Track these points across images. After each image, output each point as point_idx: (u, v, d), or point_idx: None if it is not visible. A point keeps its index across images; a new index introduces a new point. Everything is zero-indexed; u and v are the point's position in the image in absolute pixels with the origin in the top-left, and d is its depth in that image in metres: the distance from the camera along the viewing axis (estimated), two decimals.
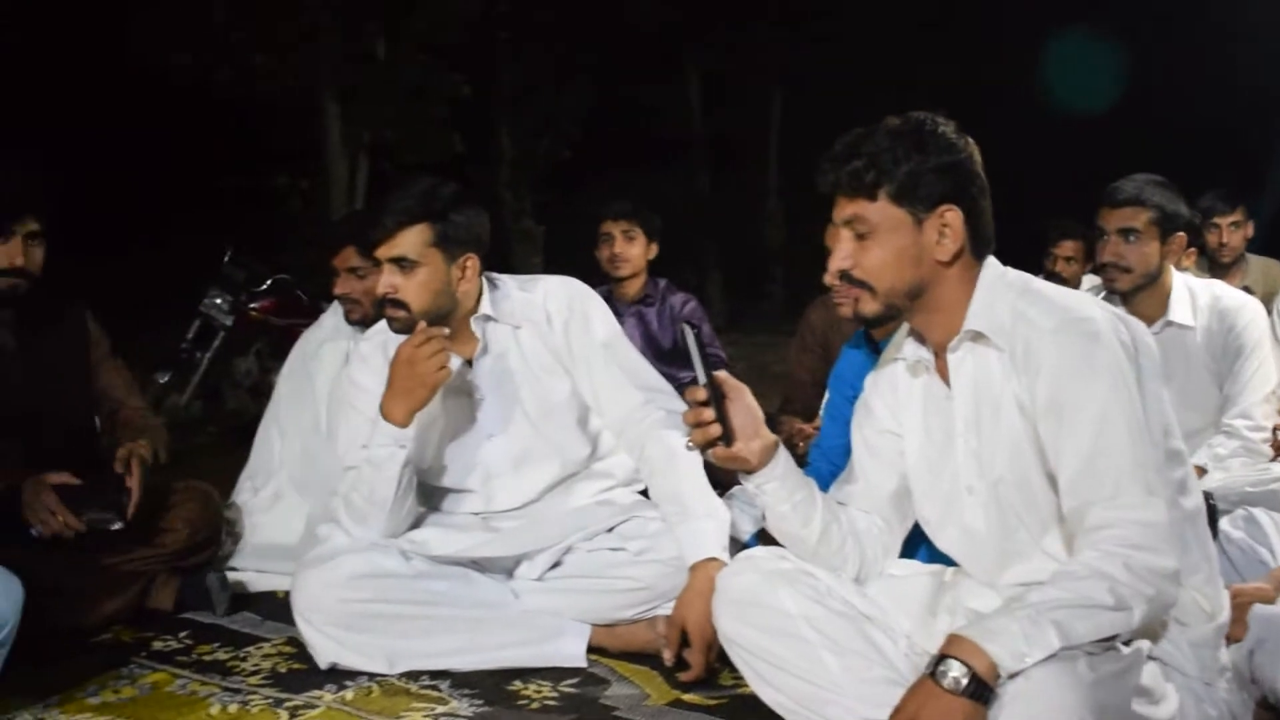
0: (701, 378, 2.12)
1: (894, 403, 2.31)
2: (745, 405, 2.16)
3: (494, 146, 12.99)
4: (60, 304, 3.31)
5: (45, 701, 2.66)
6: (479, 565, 2.85)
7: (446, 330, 2.75)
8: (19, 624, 2.49)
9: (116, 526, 2.99)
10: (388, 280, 2.76)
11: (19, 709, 2.61)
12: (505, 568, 2.89)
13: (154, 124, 11.82)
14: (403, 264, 2.75)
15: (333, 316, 3.90)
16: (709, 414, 2.11)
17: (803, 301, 4.70)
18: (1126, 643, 1.89)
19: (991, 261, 2.16)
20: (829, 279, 3.20)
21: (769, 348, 10.43)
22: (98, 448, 3.34)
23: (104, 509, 2.96)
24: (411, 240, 2.74)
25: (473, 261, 2.83)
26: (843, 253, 2.15)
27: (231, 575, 3.41)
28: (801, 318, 4.29)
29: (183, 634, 3.13)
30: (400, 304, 2.76)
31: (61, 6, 11.21)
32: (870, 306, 2.14)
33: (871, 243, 2.11)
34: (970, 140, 2.15)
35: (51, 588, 2.86)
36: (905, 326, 2.27)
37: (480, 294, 2.92)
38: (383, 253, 2.76)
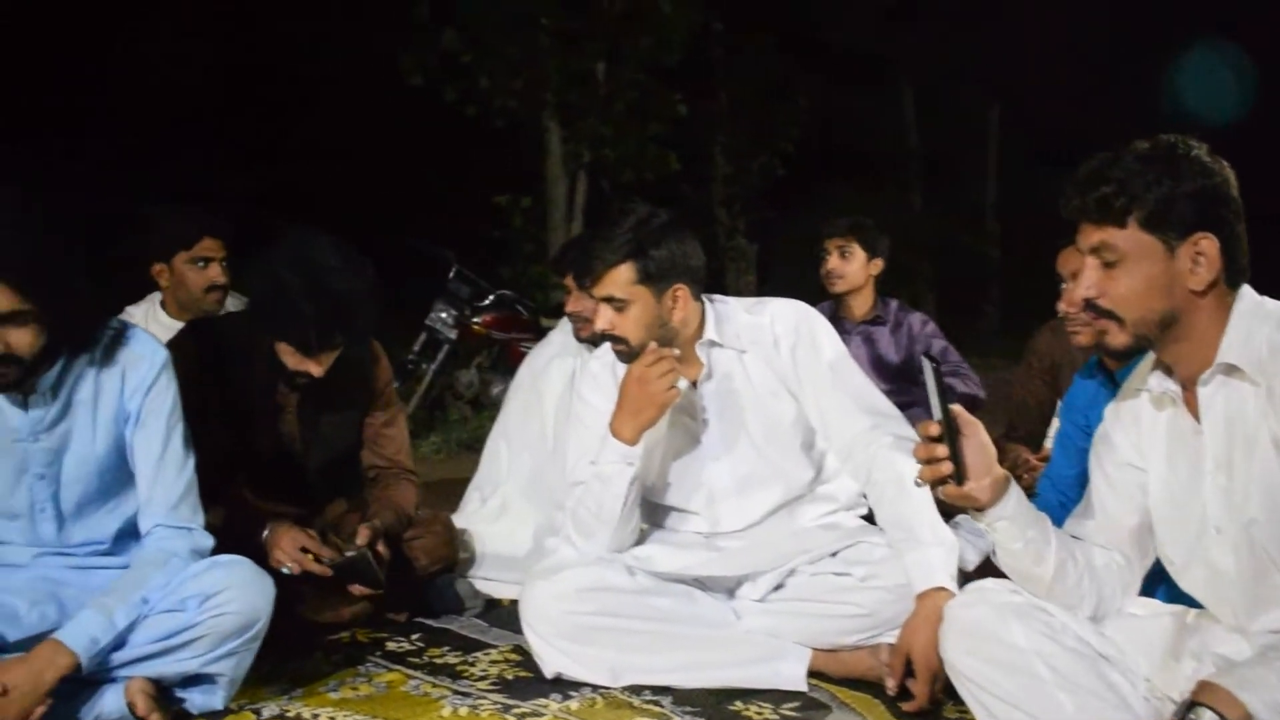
0: (936, 413, 2.07)
1: (1136, 435, 2.23)
2: (979, 442, 2.11)
3: (709, 164, 13.09)
4: (352, 354, 3.24)
5: (290, 694, 2.81)
6: (701, 584, 2.88)
7: (677, 351, 2.81)
8: (270, 620, 2.66)
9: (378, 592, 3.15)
10: (604, 317, 2.85)
11: (267, 699, 2.76)
12: (727, 587, 2.91)
13: (385, 143, 12.37)
14: (613, 302, 2.83)
15: (561, 333, 4.00)
16: (942, 450, 2.07)
17: (1020, 322, 4.58)
18: None
19: (1246, 291, 2.08)
20: (1067, 306, 3.13)
21: (984, 370, 10.15)
22: (359, 484, 3.50)
23: (365, 584, 3.12)
24: (618, 281, 2.82)
25: (683, 291, 2.87)
26: (1088, 281, 2.08)
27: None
28: (1029, 342, 4.17)
29: (415, 636, 3.26)
30: (619, 339, 2.84)
31: (313, 30, 11.88)
32: (1118, 338, 2.07)
33: (1120, 271, 2.05)
34: (1225, 163, 2.07)
35: (298, 589, 3.04)
36: (1149, 356, 2.20)
37: (703, 318, 2.95)
38: (595, 293, 2.87)
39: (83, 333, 2.59)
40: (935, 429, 2.08)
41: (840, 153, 14.42)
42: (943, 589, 2.62)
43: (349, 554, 3.07)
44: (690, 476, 2.97)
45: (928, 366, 2.08)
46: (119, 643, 2.53)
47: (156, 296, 4.15)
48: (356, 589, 3.13)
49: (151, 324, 4.00)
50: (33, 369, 2.52)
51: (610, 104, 10.20)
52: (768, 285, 12.52)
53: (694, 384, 2.95)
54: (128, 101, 12.14)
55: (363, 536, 3.10)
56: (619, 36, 10.14)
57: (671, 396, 2.77)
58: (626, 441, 2.80)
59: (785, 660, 2.80)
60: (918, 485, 2.14)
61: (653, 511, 3.03)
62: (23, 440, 2.62)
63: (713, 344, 2.94)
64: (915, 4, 14.12)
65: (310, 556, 3.04)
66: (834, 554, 2.86)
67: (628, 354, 2.84)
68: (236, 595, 2.59)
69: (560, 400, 3.82)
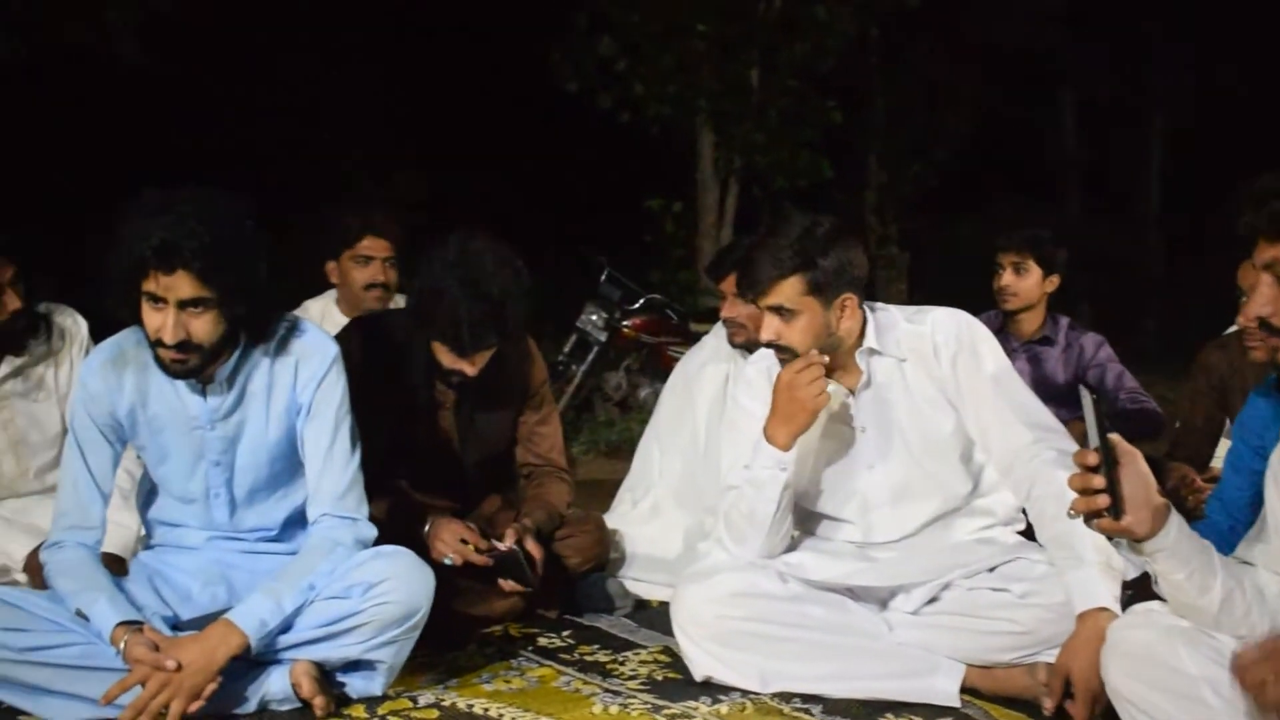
0: (1093, 441, 2.01)
1: None
2: (1137, 472, 2.02)
3: (862, 172, 12.96)
4: (508, 354, 3.32)
5: (445, 683, 2.88)
6: (853, 593, 2.85)
7: (825, 357, 2.78)
8: (429, 612, 2.72)
9: (528, 589, 3.23)
10: (771, 327, 2.82)
11: (423, 688, 2.84)
12: (879, 598, 2.88)
13: (539, 148, 12.58)
14: (781, 313, 2.80)
15: (714, 338, 4.01)
16: (1098, 481, 2.00)
17: (1180, 339, 4.41)
18: None
19: None
20: (1244, 322, 3.02)
21: (1144, 386, 9.85)
22: (514, 481, 3.58)
23: (516, 581, 3.19)
24: (787, 292, 2.79)
25: (851, 300, 2.84)
26: (1263, 298, 2.02)
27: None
28: (1196, 359, 4.02)
29: (565, 633, 3.31)
30: (785, 348, 2.82)
31: (470, 37, 12.17)
32: None
33: None
34: None
35: (453, 583, 3.10)
36: None
37: (864, 325, 2.93)
38: (761, 303, 2.83)
39: (260, 324, 2.70)
40: (1093, 458, 2.00)
41: (997, 160, 14.13)
42: (1105, 609, 2.54)
43: (501, 548, 3.14)
44: (845, 485, 2.95)
45: (1086, 396, 2.02)
46: (286, 626, 2.63)
47: (332, 294, 4.28)
48: (508, 585, 3.20)
49: (325, 321, 4.13)
50: (212, 357, 2.63)
51: (763, 110, 10.18)
52: (919, 294, 12.33)
53: (852, 392, 2.93)
54: (299, 111, 12.61)
55: (509, 539, 3.16)
56: (774, 43, 10.11)
57: (822, 401, 2.76)
58: (780, 447, 2.79)
59: (938, 675, 2.75)
60: (1071, 517, 2.07)
61: (805, 519, 3.02)
62: (201, 427, 2.74)
63: (873, 352, 2.91)
64: (1079, 10, 13.75)
65: (470, 547, 3.11)
66: (992, 569, 2.80)
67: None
68: (398, 585, 2.66)
69: (712, 405, 3.83)
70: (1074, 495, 2.05)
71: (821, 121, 10.33)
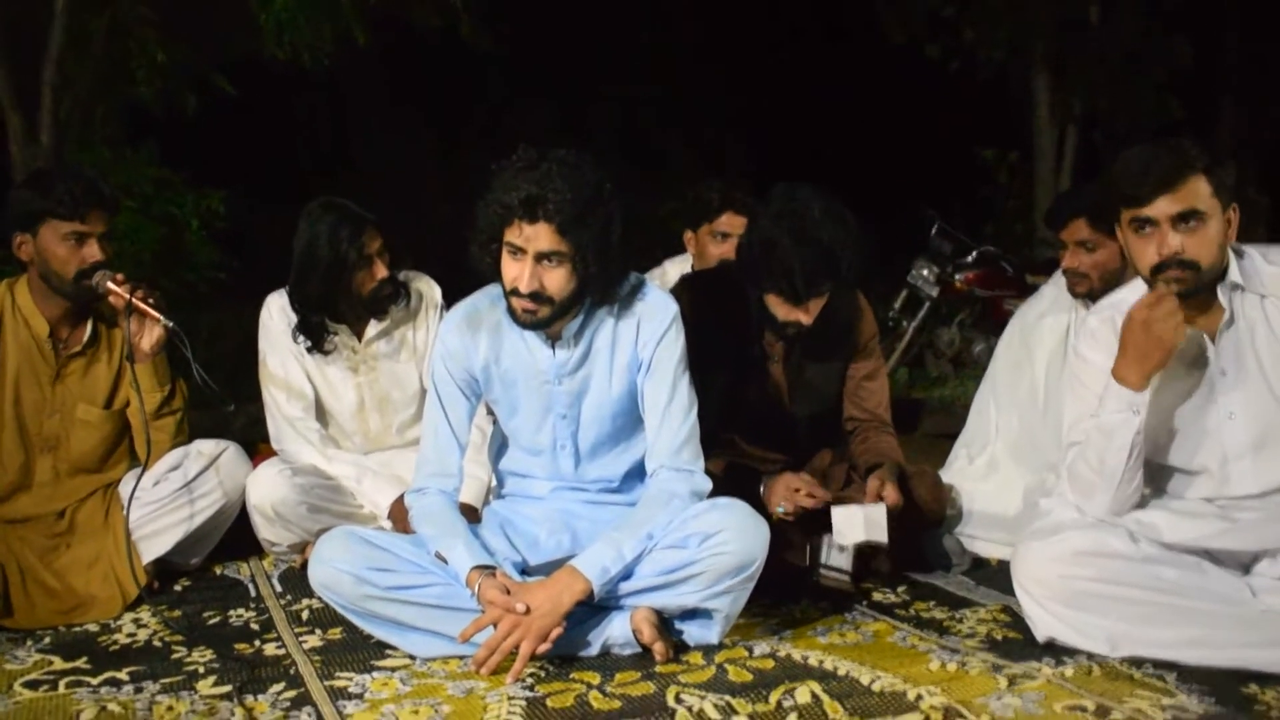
0: None
1: None
2: None
3: (1216, 112, 12.04)
4: (838, 306, 3.30)
5: (780, 635, 2.90)
6: (1212, 556, 2.67)
7: (1176, 289, 2.60)
8: (764, 563, 2.75)
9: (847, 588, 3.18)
10: (1173, 241, 2.57)
11: (758, 638, 2.87)
12: (1241, 562, 2.68)
13: (867, 102, 12.40)
14: (1188, 219, 2.59)
15: (1053, 288, 3.84)
16: None
17: None
18: None
19: None
20: None
21: None
22: (842, 435, 3.55)
23: (837, 571, 3.16)
24: (1201, 192, 2.58)
25: (1236, 214, 2.65)
26: None
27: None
28: None
29: (900, 589, 3.28)
30: (1190, 264, 2.60)
31: None
32: None
33: None
34: None
35: (788, 536, 3.14)
36: None
37: (1226, 259, 2.72)
38: (1162, 209, 2.58)
39: (608, 284, 2.79)
40: None
41: None
42: None
43: (863, 508, 3.10)
44: (1200, 434, 2.74)
45: None
46: (626, 574, 2.72)
47: (688, 259, 4.35)
48: (829, 577, 3.15)
49: None
50: (561, 312, 2.75)
51: (1104, 50, 9.63)
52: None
53: (1209, 333, 2.72)
54: (626, 78, 12.96)
55: (871, 494, 3.13)
56: None
57: (1179, 336, 2.59)
58: (1133, 387, 2.64)
59: None
60: None
61: (1155, 474, 2.84)
62: (549, 382, 2.87)
63: (1235, 286, 2.70)
64: None
65: (802, 493, 3.12)
66: None
67: (1194, 282, 2.62)
68: (734, 536, 2.70)
69: (1052, 357, 3.68)
70: None
71: (1169, 61, 9.68)
